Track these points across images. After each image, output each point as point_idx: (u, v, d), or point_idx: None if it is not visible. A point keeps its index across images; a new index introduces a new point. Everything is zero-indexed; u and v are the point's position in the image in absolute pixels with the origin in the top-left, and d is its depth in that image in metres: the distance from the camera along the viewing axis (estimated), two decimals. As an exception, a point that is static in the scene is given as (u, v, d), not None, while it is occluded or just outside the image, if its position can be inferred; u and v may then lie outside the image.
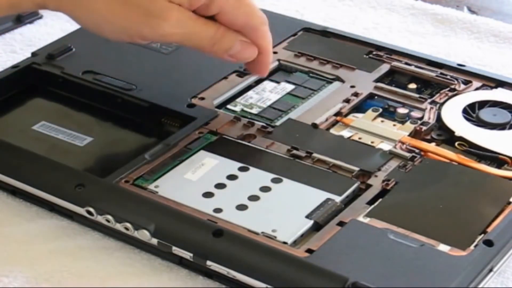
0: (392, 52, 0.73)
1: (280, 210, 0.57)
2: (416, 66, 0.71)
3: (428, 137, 0.64)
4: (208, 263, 0.53)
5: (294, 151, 0.62)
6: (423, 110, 0.66)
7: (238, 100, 0.68)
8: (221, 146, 0.62)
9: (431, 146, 0.63)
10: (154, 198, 0.57)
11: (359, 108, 0.67)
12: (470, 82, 0.69)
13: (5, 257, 0.57)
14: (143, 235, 0.55)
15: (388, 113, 0.67)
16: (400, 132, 0.64)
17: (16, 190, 0.61)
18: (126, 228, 0.56)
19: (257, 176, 0.60)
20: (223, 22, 0.60)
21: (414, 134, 0.64)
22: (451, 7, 0.86)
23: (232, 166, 0.60)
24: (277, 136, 0.64)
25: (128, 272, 0.55)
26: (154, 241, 0.55)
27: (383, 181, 0.59)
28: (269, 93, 0.69)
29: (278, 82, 0.71)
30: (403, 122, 0.66)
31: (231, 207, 0.57)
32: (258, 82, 0.71)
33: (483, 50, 0.80)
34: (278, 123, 0.66)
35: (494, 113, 0.65)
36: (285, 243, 0.54)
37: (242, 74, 0.71)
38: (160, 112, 0.67)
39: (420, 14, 0.85)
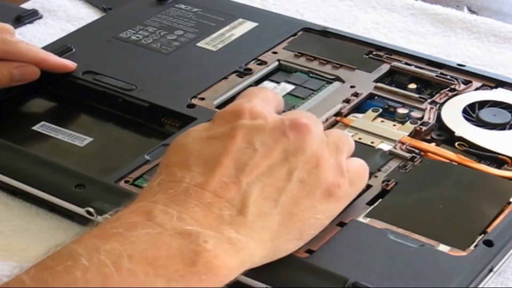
0: (392, 52, 0.73)
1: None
2: (416, 66, 0.71)
3: (428, 137, 0.64)
4: (208, 263, 0.53)
5: (294, 151, 0.62)
6: (423, 110, 0.66)
7: (238, 100, 0.68)
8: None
9: (431, 146, 0.63)
10: (154, 198, 0.57)
11: (359, 108, 0.67)
12: (470, 82, 0.69)
13: (5, 257, 0.57)
14: (143, 235, 0.55)
15: (388, 113, 0.67)
16: (400, 132, 0.64)
17: (16, 190, 0.61)
18: (126, 228, 0.56)
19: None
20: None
21: (414, 134, 0.64)
22: (451, 7, 0.86)
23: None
24: (277, 136, 0.63)
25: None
26: (154, 241, 0.55)
27: (383, 181, 0.59)
28: (269, 93, 0.69)
29: (278, 82, 0.71)
30: (403, 122, 0.66)
31: (231, 207, 0.57)
32: (258, 82, 0.71)
33: (483, 50, 0.79)
34: (278, 123, 0.65)
35: (494, 113, 0.65)
36: (285, 243, 0.54)
37: (242, 74, 0.71)
38: (160, 113, 0.67)
39: (420, 14, 0.85)
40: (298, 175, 0.51)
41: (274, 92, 0.57)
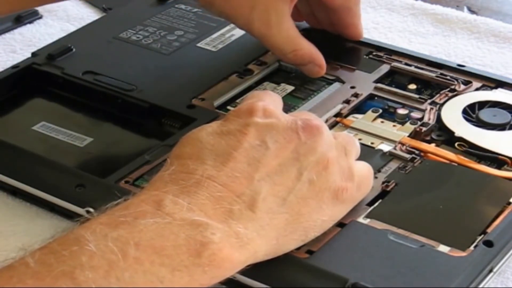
0: (392, 52, 0.73)
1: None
2: (416, 67, 0.71)
3: (428, 138, 0.64)
4: (208, 263, 0.53)
5: (294, 152, 0.62)
6: (423, 110, 0.66)
7: (238, 101, 0.68)
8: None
9: (431, 147, 0.63)
10: (154, 199, 0.57)
11: (359, 109, 0.67)
12: (470, 82, 0.69)
13: (5, 256, 0.57)
14: (143, 235, 0.55)
15: (388, 114, 0.67)
16: (400, 133, 0.64)
17: (16, 190, 0.61)
18: (126, 229, 0.56)
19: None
20: (323, 1, 0.71)
21: (414, 135, 0.64)
22: (451, 7, 0.86)
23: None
24: (277, 136, 0.63)
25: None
26: (154, 241, 0.55)
27: (383, 182, 0.59)
28: (269, 93, 0.69)
29: (278, 83, 0.71)
30: (403, 123, 0.66)
31: (231, 208, 0.57)
32: (259, 83, 0.71)
33: (483, 50, 0.79)
34: (278, 123, 0.65)
35: (494, 113, 0.65)
36: (285, 243, 0.54)
37: (242, 75, 0.71)
38: (160, 113, 0.67)
39: (420, 14, 0.85)
40: (308, 176, 0.51)
41: (277, 95, 0.58)
